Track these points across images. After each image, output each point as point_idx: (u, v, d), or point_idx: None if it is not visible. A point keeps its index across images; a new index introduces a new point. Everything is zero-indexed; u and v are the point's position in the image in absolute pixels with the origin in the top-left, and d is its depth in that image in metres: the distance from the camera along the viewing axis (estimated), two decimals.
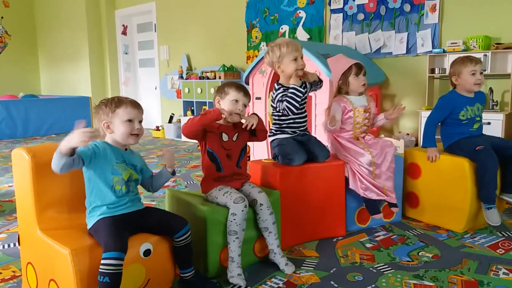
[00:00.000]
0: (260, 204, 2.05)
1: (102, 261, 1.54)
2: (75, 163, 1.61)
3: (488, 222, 2.45)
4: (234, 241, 1.97)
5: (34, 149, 1.77)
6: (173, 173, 2.00)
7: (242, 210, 1.94)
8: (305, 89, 2.41)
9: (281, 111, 2.40)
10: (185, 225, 1.80)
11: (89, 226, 1.73)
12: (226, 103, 2.11)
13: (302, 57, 2.39)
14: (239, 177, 2.16)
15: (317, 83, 2.50)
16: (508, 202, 2.60)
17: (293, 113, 2.37)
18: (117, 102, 1.76)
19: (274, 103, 2.42)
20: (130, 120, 1.75)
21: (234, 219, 1.95)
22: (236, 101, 2.10)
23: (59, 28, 9.03)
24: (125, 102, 1.77)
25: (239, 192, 2.05)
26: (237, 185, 2.14)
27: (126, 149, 1.83)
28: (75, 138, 1.52)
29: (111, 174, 1.72)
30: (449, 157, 2.59)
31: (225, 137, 2.12)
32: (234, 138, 2.15)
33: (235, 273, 1.95)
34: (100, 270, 1.54)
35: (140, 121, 1.80)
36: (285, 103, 2.34)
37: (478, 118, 2.62)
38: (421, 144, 2.70)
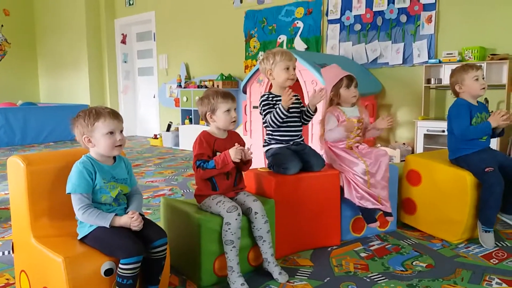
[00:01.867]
0: (255, 212, 2.06)
1: (123, 266, 1.58)
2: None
3: (482, 245, 2.46)
4: (231, 250, 1.96)
5: (30, 157, 1.78)
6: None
7: (236, 219, 1.95)
8: (296, 106, 2.47)
9: (267, 121, 2.44)
10: (163, 236, 1.75)
11: (81, 236, 1.72)
12: (219, 116, 2.08)
13: (294, 68, 2.43)
14: (235, 189, 2.17)
15: (310, 112, 2.50)
16: (505, 222, 2.60)
17: (277, 126, 2.42)
18: (95, 115, 1.71)
19: (261, 114, 2.46)
20: (111, 132, 1.71)
21: (229, 229, 1.95)
22: (228, 110, 2.08)
23: (59, 37, 9.08)
24: (103, 114, 1.72)
25: (233, 201, 2.05)
26: (232, 195, 2.14)
27: (114, 158, 1.80)
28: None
29: (99, 193, 1.72)
30: (452, 168, 2.57)
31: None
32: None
33: (238, 283, 1.95)
34: (121, 274, 1.59)
35: (121, 131, 1.76)
36: (268, 116, 2.41)
37: (484, 138, 2.58)
38: (478, 136, 2.54)
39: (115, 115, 1.74)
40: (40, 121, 7.45)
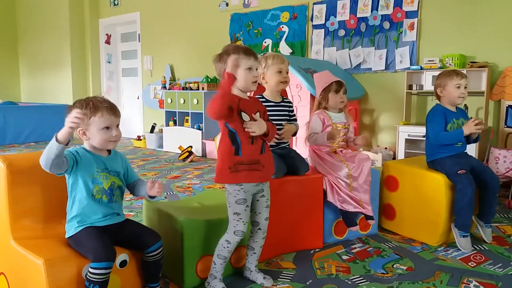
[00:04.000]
0: (259, 229, 2.03)
1: (92, 270, 1.55)
2: (64, 163, 1.59)
3: (460, 249, 2.52)
4: (221, 264, 1.95)
5: (10, 158, 1.76)
6: (152, 198, 1.87)
7: (237, 241, 1.93)
8: (284, 108, 2.46)
9: None
10: (157, 240, 1.76)
11: (68, 235, 1.71)
12: (240, 74, 1.84)
13: (287, 72, 2.44)
14: (259, 168, 1.91)
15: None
16: (478, 233, 2.68)
17: None
18: (93, 108, 1.67)
19: None
20: (107, 128, 1.69)
21: (228, 247, 1.92)
22: (250, 69, 1.86)
23: (42, 35, 8.94)
24: (101, 108, 1.69)
25: (246, 222, 1.92)
26: (256, 178, 1.91)
27: (109, 152, 1.79)
28: (71, 118, 1.49)
29: (91, 183, 1.69)
30: (428, 172, 2.64)
31: (245, 117, 1.87)
32: (257, 118, 1.91)
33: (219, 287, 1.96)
34: (89, 278, 1.56)
35: (118, 125, 1.74)
36: None
37: (459, 144, 2.64)
38: (450, 142, 2.59)
39: (112, 111, 1.71)
40: (21, 121, 7.30)
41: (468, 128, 2.55)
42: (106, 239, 1.64)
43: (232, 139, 1.86)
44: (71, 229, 1.70)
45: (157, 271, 1.80)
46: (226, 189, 1.93)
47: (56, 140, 1.51)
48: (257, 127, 1.85)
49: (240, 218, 1.90)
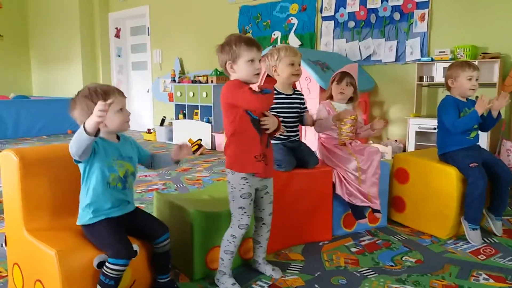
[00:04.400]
0: (263, 223, 2.04)
1: (110, 265, 1.58)
2: (90, 150, 1.62)
3: (470, 241, 2.51)
4: (229, 259, 1.96)
5: (23, 151, 1.79)
6: (177, 162, 1.91)
7: (242, 235, 1.94)
8: (295, 100, 2.46)
9: None
10: (166, 231, 1.80)
11: (80, 222, 1.72)
12: (241, 66, 1.82)
13: (299, 65, 2.42)
14: (266, 162, 1.91)
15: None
16: (488, 227, 2.67)
17: None
18: (104, 94, 1.67)
19: None
20: (121, 109, 1.72)
21: (234, 241, 1.93)
22: (252, 61, 1.82)
23: (52, 30, 9.01)
24: (113, 91, 1.71)
25: (250, 215, 1.92)
26: (261, 169, 1.88)
27: (118, 138, 1.79)
28: (98, 112, 1.46)
29: (108, 171, 1.70)
30: (439, 165, 2.62)
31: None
32: (267, 114, 1.93)
33: (229, 284, 1.95)
34: (106, 272, 1.58)
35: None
36: None
37: (475, 126, 2.61)
38: (467, 126, 2.54)
39: (120, 92, 1.74)
40: (33, 115, 7.40)
41: (480, 106, 2.47)
42: (125, 235, 1.67)
43: (253, 121, 1.84)
44: (85, 217, 1.70)
45: (167, 262, 1.83)
46: (229, 182, 1.90)
47: (86, 131, 1.50)
48: (271, 123, 1.87)
49: (245, 212, 1.90)
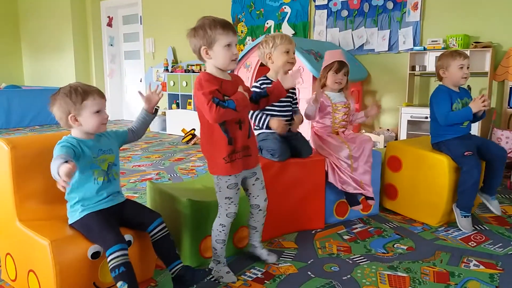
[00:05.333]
0: (259, 210, 2.03)
1: (109, 257, 1.58)
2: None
3: (461, 228, 2.54)
4: (221, 248, 1.96)
5: (14, 141, 1.78)
6: (155, 112, 1.89)
7: (231, 222, 1.94)
8: (289, 95, 2.46)
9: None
10: (155, 218, 1.78)
11: (71, 221, 1.73)
12: (217, 51, 1.74)
13: (294, 52, 2.42)
14: (250, 153, 1.89)
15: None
16: (483, 205, 2.69)
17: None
18: (83, 93, 1.67)
19: None
20: (99, 111, 1.70)
21: (223, 230, 1.93)
22: (229, 45, 1.75)
23: (43, 18, 8.88)
24: (92, 92, 1.70)
25: (237, 203, 1.92)
26: (249, 164, 1.90)
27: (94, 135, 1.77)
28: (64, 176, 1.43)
29: (90, 169, 1.71)
30: (431, 153, 2.64)
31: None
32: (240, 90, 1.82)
33: (223, 272, 1.96)
34: (111, 265, 1.58)
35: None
36: (256, 113, 2.39)
37: None
38: (459, 121, 2.58)
39: (100, 94, 1.73)
40: (25, 105, 7.33)
41: (476, 106, 2.53)
42: (115, 225, 1.67)
43: (224, 129, 1.78)
44: (75, 213, 1.71)
45: (170, 248, 1.79)
46: (218, 181, 1.87)
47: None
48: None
49: (232, 202, 1.89)
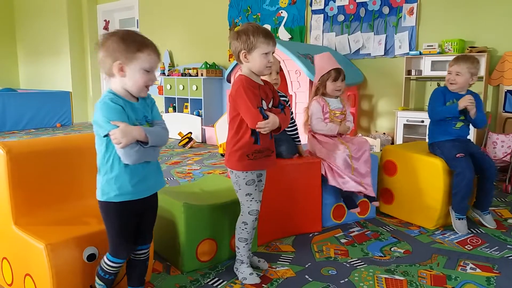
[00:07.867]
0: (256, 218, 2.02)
1: (108, 262, 1.57)
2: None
3: (456, 231, 2.55)
4: (244, 247, 1.97)
5: (10, 144, 1.77)
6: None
7: (253, 221, 1.94)
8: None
9: None
10: (148, 242, 1.67)
11: (104, 197, 1.50)
12: (255, 57, 1.80)
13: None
14: (270, 154, 1.95)
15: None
16: (475, 218, 2.71)
17: None
18: (140, 43, 1.45)
19: None
20: (149, 71, 1.47)
21: (246, 228, 1.94)
22: (267, 54, 1.81)
23: (39, 22, 8.87)
24: (150, 46, 1.47)
25: (259, 201, 1.95)
26: (268, 164, 1.96)
27: (137, 98, 1.53)
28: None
29: None
30: (426, 157, 2.66)
31: (264, 105, 1.86)
32: (270, 105, 1.92)
33: (246, 273, 1.96)
34: (104, 268, 1.58)
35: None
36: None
37: (462, 117, 2.65)
38: (444, 115, 2.63)
39: (157, 52, 1.51)
40: (20, 108, 7.29)
41: (463, 101, 2.56)
42: (133, 227, 1.57)
43: (252, 129, 1.85)
44: (110, 192, 1.48)
45: (143, 273, 1.70)
46: (233, 173, 1.91)
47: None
48: (271, 126, 1.84)
49: (253, 198, 1.92)
